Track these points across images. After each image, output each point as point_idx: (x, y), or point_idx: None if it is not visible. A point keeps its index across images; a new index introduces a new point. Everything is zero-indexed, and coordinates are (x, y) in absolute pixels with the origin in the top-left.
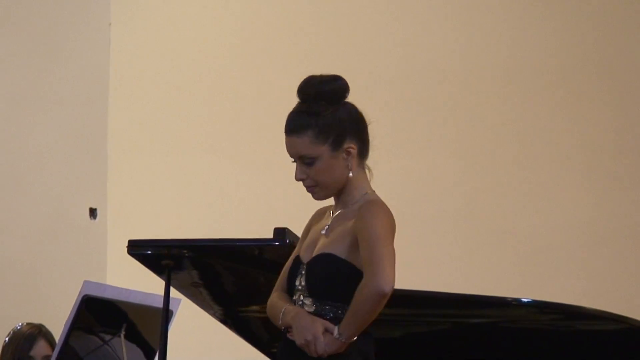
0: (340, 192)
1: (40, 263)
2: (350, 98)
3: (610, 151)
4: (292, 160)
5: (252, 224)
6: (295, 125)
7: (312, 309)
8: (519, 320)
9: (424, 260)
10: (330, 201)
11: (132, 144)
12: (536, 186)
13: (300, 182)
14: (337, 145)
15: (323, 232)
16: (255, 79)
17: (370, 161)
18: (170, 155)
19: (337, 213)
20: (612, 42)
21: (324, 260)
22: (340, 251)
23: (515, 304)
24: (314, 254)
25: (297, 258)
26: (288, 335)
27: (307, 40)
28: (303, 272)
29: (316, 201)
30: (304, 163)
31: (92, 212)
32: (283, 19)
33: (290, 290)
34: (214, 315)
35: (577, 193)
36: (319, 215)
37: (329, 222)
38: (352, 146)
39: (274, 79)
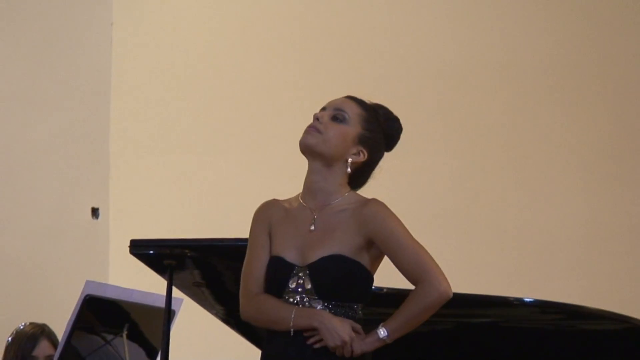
0: (319, 173)
1: (43, 263)
2: None
3: (608, 151)
4: (319, 111)
5: None
6: (359, 100)
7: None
8: (521, 320)
9: None
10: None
11: (134, 143)
12: (535, 186)
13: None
14: (362, 139)
15: (312, 228)
16: (258, 79)
17: None
18: (172, 155)
19: (319, 210)
20: (610, 43)
21: (335, 262)
22: (348, 251)
23: (518, 303)
24: (316, 254)
25: (281, 259)
26: (314, 339)
27: (308, 40)
28: (301, 273)
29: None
30: (334, 116)
31: (94, 212)
32: (284, 19)
33: (275, 292)
34: (216, 314)
35: (576, 193)
36: (273, 210)
37: (312, 220)
38: (365, 152)
39: (276, 78)
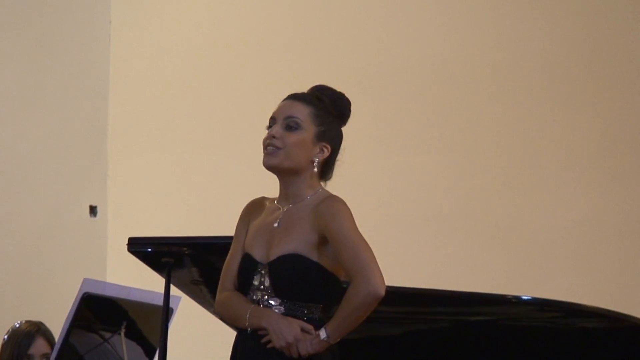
0: (290, 183)
1: (40, 260)
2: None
3: (607, 149)
4: (269, 125)
5: None
6: (303, 96)
7: (281, 310)
8: (519, 318)
9: (423, 258)
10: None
11: (132, 141)
12: (534, 185)
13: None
14: (320, 136)
15: (275, 224)
16: (256, 77)
17: (366, 160)
18: (170, 153)
19: (287, 207)
20: (609, 40)
21: (292, 261)
22: (306, 251)
23: (516, 301)
24: (276, 252)
25: (249, 256)
26: (265, 339)
27: (305, 40)
28: (263, 271)
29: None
30: (287, 125)
31: (92, 210)
32: (283, 19)
33: (243, 288)
34: (214, 312)
35: (575, 191)
36: (256, 207)
37: (279, 216)
38: (327, 147)
39: (275, 76)
